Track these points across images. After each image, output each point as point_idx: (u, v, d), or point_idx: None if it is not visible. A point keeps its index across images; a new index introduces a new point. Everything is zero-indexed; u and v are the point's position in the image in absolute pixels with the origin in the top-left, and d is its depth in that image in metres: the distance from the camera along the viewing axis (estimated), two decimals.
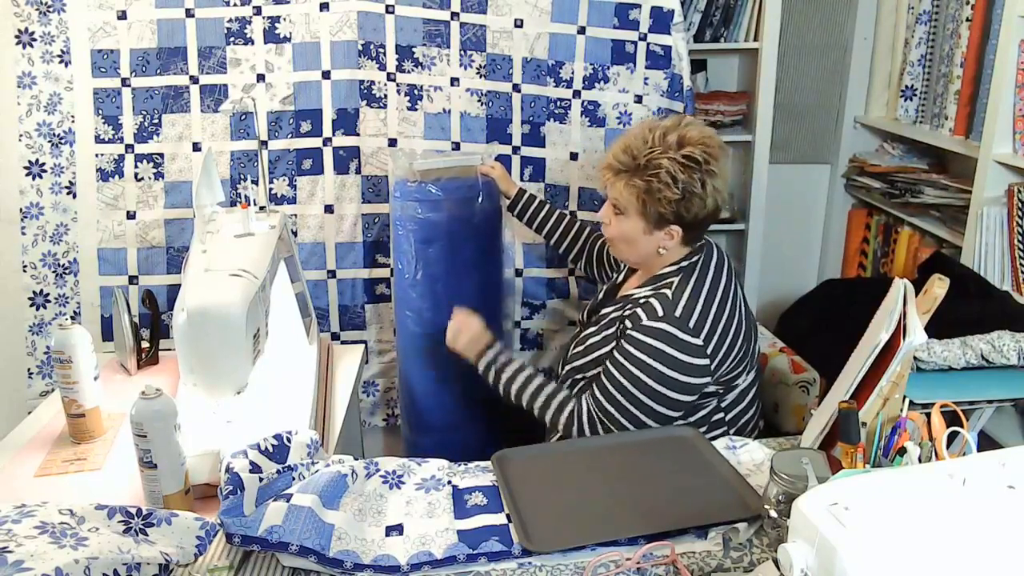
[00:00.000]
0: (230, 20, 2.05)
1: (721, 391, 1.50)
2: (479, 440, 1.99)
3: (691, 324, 1.42)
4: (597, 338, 1.56)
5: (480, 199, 1.87)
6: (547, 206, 1.92)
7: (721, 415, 1.53)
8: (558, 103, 2.14)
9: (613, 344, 1.51)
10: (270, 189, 2.11)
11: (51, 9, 2.00)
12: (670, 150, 1.42)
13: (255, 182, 2.08)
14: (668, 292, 1.46)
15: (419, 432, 2.04)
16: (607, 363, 1.48)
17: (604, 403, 1.46)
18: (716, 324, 1.44)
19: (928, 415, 1.09)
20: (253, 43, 2.06)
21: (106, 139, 2.07)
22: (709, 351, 1.43)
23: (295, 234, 2.14)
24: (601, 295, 1.74)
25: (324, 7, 2.05)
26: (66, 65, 2.03)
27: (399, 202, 1.89)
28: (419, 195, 1.85)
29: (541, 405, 1.55)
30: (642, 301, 1.48)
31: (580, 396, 1.52)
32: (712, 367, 1.44)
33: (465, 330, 1.67)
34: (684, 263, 1.50)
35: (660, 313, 1.43)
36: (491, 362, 1.63)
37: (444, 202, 1.85)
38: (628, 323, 1.48)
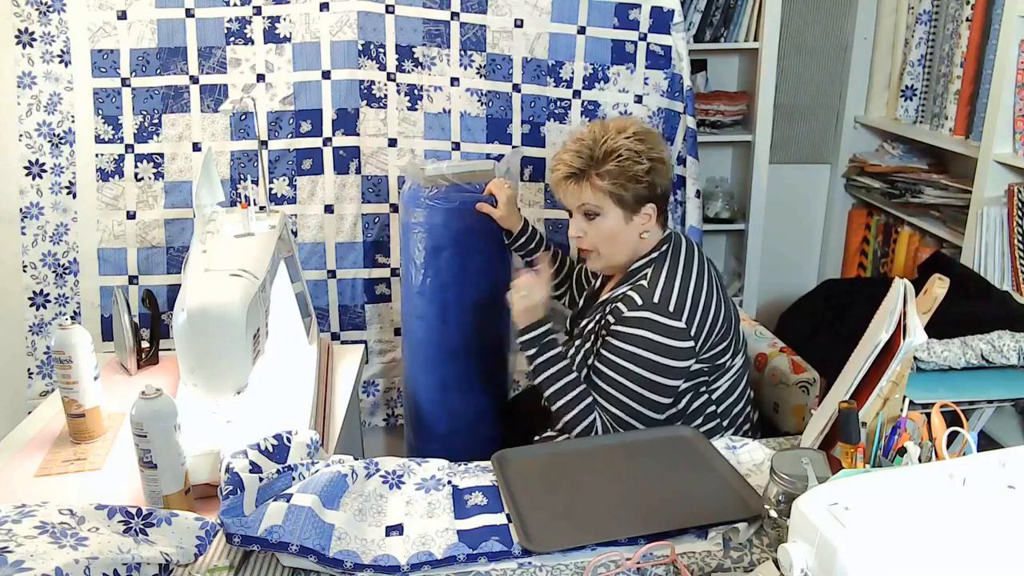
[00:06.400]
0: (230, 20, 2.05)
1: (706, 369, 1.51)
2: (485, 448, 1.97)
3: (671, 308, 1.44)
4: (579, 356, 1.57)
5: (491, 205, 1.86)
6: (544, 242, 1.87)
7: (713, 408, 1.54)
8: (558, 103, 2.14)
9: (598, 348, 1.51)
10: (270, 189, 2.11)
11: (51, 9, 2.00)
12: (617, 134, 1.49)
13: (255, 182, 2.08)
14: (644, 282, 1.49)
15: (424, 439, 2.02)
16: (597, 364, 1.49)
17: (609, 408, 1.47)
18: (696, 304, 1.46)
19: (928, 415, 1.09)
20: (253, 43, 2.06)
21: (106, 139, 2.07)
22: (692, 332, 1.45)
23: (295, 234, 2.14)
24: (581, 303, 1.74)
25: (324, 7, 2.05)
26: (66, 65, 2.03)
27: (409, 208, 1.87)
28: (429, 202, 1.83)
29: (562, 404, 1.49)
30: (620, 296, 1.51)
31: (596, 408, 1.48)
32: (697, 348, 1.46)
33: (528, 296, 1.55)
34: (654, 254, 1.53)
35: (640, 302, 1.46)
36: (536, 338, 1.54)
37: (454, 209, 1.83)
38: (611, 318, 1.50)
